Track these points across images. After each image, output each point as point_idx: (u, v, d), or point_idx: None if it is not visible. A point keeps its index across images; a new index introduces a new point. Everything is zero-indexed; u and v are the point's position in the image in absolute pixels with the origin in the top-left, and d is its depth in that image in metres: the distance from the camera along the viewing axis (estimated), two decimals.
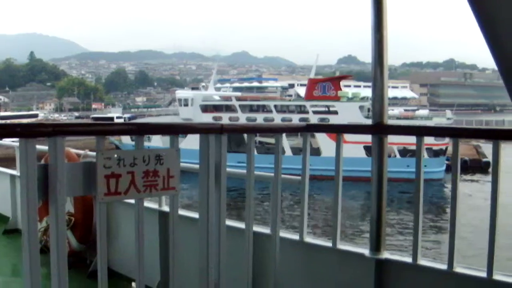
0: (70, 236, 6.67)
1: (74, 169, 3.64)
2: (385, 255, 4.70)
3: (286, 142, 46.32)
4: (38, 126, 3.49)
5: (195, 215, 5.14)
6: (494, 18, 2.72)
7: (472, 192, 35.59)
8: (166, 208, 5.87)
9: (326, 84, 56.81)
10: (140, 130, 4.08)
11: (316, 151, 46.39)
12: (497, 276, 4.06)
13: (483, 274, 4.10)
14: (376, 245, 4.73)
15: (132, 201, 3.96)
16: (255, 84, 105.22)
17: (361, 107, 53.78)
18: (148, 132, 4.45)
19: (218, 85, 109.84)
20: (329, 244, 4.97)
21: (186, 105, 58.44)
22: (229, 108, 58.30)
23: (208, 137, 4.33)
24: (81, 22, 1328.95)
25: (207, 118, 55.25)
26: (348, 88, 74.46)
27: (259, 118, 54.36)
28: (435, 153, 47.26)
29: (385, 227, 4.85)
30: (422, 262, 4.48)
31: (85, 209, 6.64)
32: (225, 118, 55.34)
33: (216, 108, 58.94)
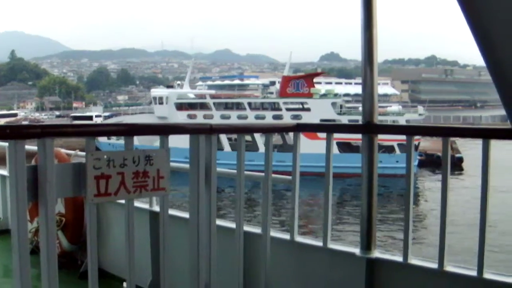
0: (61, 236, 6.71)
1: (63, 170, 3.63)
2: (376, 254, 4.72)
3: (260, 139, 46.40)
4: (27, 128, 3.52)
5: (186, 215, 5.14)
6: (482, 14, 2.69)
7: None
8: (156, 208, 5.90)
9: (299, 81, 57.44)
10: (130, 131, 4.04)
11: (254, 147, 46.15)
12: (487, 275, 4.09)
13: (474, 273, 4.13)
14: (366, 244, 4.76)
15: (123, 201, 3.96)
16: (237, 81, 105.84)
17: (333, 104, 54.59)
18: (138, 133, 4.35)
19: (200, 82, 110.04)
20: (320, 243, 5.00)
21: (161, 103, 58.82)
22: (204, 106, 58.71)
23: (198, 137, 4.31)
24: (64, 21, 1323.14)
25: (181, 116, 55.55)
26: (320, 85, 74.98)
27: (233, 116, 55.06)
28: (389, 149, 47.49)
29: (376, 226, 4.85)
30: (413, 261, 4.49)
31: (76, 210, 6.65)
32: (199, 116, 55.86)
33: (191, 106, 59.41)
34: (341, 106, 55.62)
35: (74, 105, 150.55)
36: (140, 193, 3.88)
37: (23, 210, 3.32)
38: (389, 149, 46.43)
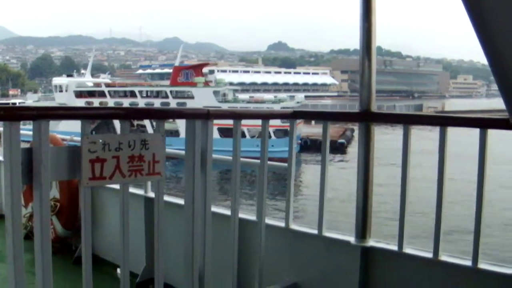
0: (55, 221, 6.71)
1: (58, 153, 3.62)
2: (371, 242, 4.75)
3: (182, 125, 48.67)
4: (23, 109, 3.50)
5: (181, 201, 5.17)
6: (488, 18, 2.63)
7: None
8: (151, 194, 5.93)
9: (189, 71, 61.76)
10: (127, 115, 4.04)
11: (175, 133, 49.31)
12: (482, 265, 4.11)
13: (468, 263, 4.15)
14: (362, 233, 4.80)
15: (117, 186, 4.01)
16: None
17: (215, 92, 58.69)
18: (135, 117, 4.47)
19: (140, 71, 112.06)
20: (315, 231, 5.01)
21: (61, 91, 62.06)
22: (102, 94, 61.59)
23: (194, 123, 4.32)
24: (11, 5, 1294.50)
25: (80, 103, 58.56)
26: (213, 74, 79.05)
27: (125, 103, 58.41)
28: (285, 133, 50.27)
29: (371, 215, 4.88)
30: (408, 250, 4.53)
31: (71, 195, 6.65)
32: (96, 103, 58.80)
33: (90, 93, 62.23)
34: (224, 94, 59.64)
35: (10, 92, 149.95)
36: (135, 178, 3.88)
37: (17, 194, 3.30)
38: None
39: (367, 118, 4.80)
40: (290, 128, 5.33)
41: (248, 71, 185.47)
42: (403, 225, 4.54)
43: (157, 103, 58.20)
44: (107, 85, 65.63)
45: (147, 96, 61.32)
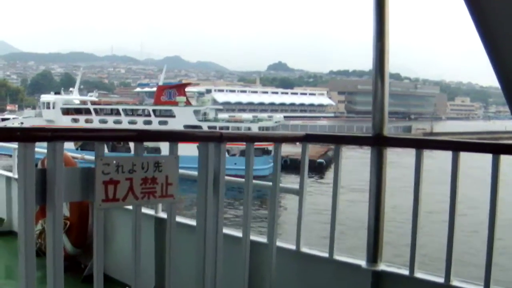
0: (64, 240, 6.55)
1: (72, 174, 3.63)
2: (382, 266, 4.71)
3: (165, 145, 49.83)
4: (38, 131, 3.50)
5: (192, 222, 5.18)
6: (496, 33, 2.62)
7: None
8: (162, 214, 5.94)
9: (172, 90, 63.48)
10: (140, 137, 4.08)
11: (156, 150, 50.08)
12: None
13: None
14: (373, 257, 4.76)
15: (129, 206, 3.98)
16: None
17: (195, 112, 60.39)
18: (148, 139, 4.41)
19: (138, 89, 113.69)
20: (325, 254, 4.99)
21: (48, 108, 63.40)
22: (88, 111, 63.13)
23: (207, 145, 4.34)
24: (14, 20, 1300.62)
25: (66, 120, 60.38)
26: (210, 93, 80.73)
27: (110, 120, 60.21)
28: (263, 152, 51.45)
29: (383, 239, 4.82)
30: (419, 274, 4.49)
31: (81, 213, 6.65)
32: (81, 120, 60.77)
33: (77, 111, 63.89)
34: (204, 114, 61.28)
35: (8, 107, 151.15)
36: (148, 200, 3.89)
37: (31, 214, 3.31)
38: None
39: (380, 142, 4.78)
40: (302, 151, 5.28)
41: (245, 91, 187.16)
42: (415, 250, 4.52)
43: (140, 121, 59.93)
44: (93, 103, 67.21)
45: (131, 115, 62.79)
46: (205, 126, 56.56)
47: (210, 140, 4.39)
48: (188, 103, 62.34)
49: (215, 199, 4.39)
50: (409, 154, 4.66)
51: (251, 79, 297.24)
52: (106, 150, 4.02)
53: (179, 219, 5.09)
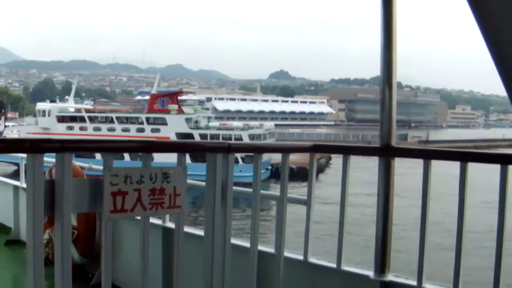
0: (72, 249, 6.92)
1: (80, 185, 3.66)
2: (390, 277, 4.69)
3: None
4: (46, 142, 3.49)
5: (200, 232, 5.14)
6: (502, 38, 2.52)
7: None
8: (169, 224, 5.86)
9: (165, 99, 64.10)
10: (148, 148, 4.11)
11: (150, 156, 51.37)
12: None
13: None
14: (381, 267, 4.73)
15: (137, 217, 3.99)
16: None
17: (187, 119, 61.19)
18: (156, 150, 4.41)
19: (139, 97, 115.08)
20: (333, 265, 4.96)
21: (44, 115, 64.19)
22: (82, 119, 63.96)
23: (215, 156, 4.35)
24: (17, 28, 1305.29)
25: (61, 127, 61.35)
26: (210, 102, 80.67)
27: (104, 128, 61.23)
28: (252, 159, 52.15)
29: (391, 249, 4.80)
30: (427, 285, 4.45)
31: (88, 223, 6.66)
32: (76, 128, 61.75)
33: (72, 118, 64.74)
34: (196, 122, 62.32)
35: (9, 115, 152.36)
36: (156, 211, 3.90)
37: (39, 225, 3.33)
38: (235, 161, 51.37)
39: (388, 153, 4.73)
40: (310, 161, 5.26)
41: (245, 99, 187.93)
42: (423, 260, 4.46)
43: (133, 128, 60.90)
44: (87, 110, 68.25)
45: (125, 122, 63.72)
46: (196, 133, 57.90)
47: (218, 151, 4.39)
48: (180, 111, 63.34)
49: (223, 210, 4.39)
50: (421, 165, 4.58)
51: (252, 87, 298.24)
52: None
53: (187, 229, 5.04)
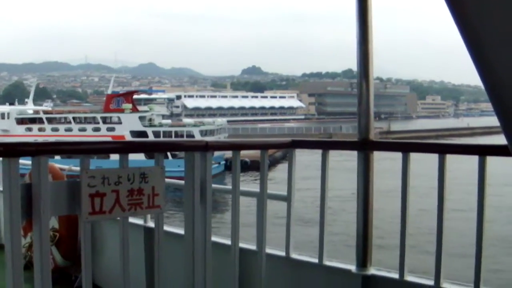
0: (54, 252, 6.62)
1: (58, 188, 3.63)
2: (372, 271, 4.70)
3: None
4: (22, 145, 3.49)
5: (181, 231, 5.06)
6: (480, 35, 2.33)
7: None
8: (151, 224, 5.71)
9: (120, 98, 65.86)
10: (126, 149, 4.07)
11: (104, 155, 52.16)
12: None
13: None
14: (362, 261, 4.74)
15: (116, 218, 3.98)
16: (143, 96, 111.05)
17: (141, 118, 62.89)
18: (134, 150, 4.36)
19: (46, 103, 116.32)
20: (315, 260, 4.96)
21: (3, 118, 65.48)
22: (41, 121, 65.24)
23: (193, 154, 4.34)
24: None
25: (20, 129, 62.89)
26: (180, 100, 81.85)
27: (61, 128, 62.90)
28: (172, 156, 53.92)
29: (372, 243, 4.81)
30: (409, 278, 4.46)
31: (70, 225, 6.60)
32: (35, 129, 63.22)
33: (31, 120, 66.10)
34: (150, 119, 63.83)
35: None
36: (135, 211, 3.89)
37: (17, 228, 3.31)
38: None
39: (366, 147, 4.74)
40: (289, 157, 5.27)
41: (215, 96, 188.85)
42: (404, 253, 4.47)
43: (89, 128, 62.37)
44: (45, 112, 69.42)
45: (82, 122, 65.02)
46: (150, 131, 59.84)
47: (196, 149, 4.41)
48: (134, 110, 64.78)
49: (202, 207, 4.41)
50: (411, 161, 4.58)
51: (223, 84, 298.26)
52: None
53: (167, 228, 5.10)
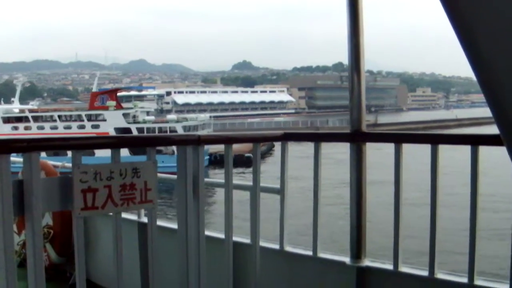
0: (49, 248, 6.62)
1: (50, 184, 3.62)
2: (366, 262, 4.71)
3: None
4: (13, 142, 3.47)
5: (174, 225, 4.99)
6: (473, 29, 2.30)
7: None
8: (145, 219, 5.60)
9: (104, 96, 66.47)
10: (118, 143, 4.07)
11: (90, 152, 52.61)
12: (478, 282, 4.05)
13: (465, 280, 4.10)
14: (356, 253, 4.75)
15: (109, 213, 3.98)
16: (133, 93, 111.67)
17: (125, 115, 63.84)
18: (126, 145, 4.36)
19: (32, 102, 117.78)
20: (309, 252, 4.96)
21: None
22: (27, 119, 65.89)
23: (185, 149, 4.34)
24: None
25: (7, 128, 63.32)
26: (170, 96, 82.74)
27: (47, 127, 63.52)
28: (157, 152, 54.65)
29: (366, 234, 4.81)
30: (403, 269, 4.47)
31: (64, 222, 6.51)
32: (21, 127, 63.93)
33: (17, 119, 66.74)
34: (134, 116, 64.80)
35: None
36: (128, 206, 3.88)
37: (9, 225, 3.30)
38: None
39: (358, 139, 4.75)
40: (282, 150, 5.22)
41: (205, 92, 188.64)
42: (398, 244, 4.49)
43: (74, 126, 63.21)
44: (31, 111, 70.07)
45: (68, 120, 65.70)
46: (133, 127, 60.61)
47: (188, 143, 4.41)
48: (119, 107, 65.37)
49: (195, 202, 4.40)
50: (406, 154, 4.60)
51: (213, 79, 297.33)
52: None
53: (161, 223, 5.05)
